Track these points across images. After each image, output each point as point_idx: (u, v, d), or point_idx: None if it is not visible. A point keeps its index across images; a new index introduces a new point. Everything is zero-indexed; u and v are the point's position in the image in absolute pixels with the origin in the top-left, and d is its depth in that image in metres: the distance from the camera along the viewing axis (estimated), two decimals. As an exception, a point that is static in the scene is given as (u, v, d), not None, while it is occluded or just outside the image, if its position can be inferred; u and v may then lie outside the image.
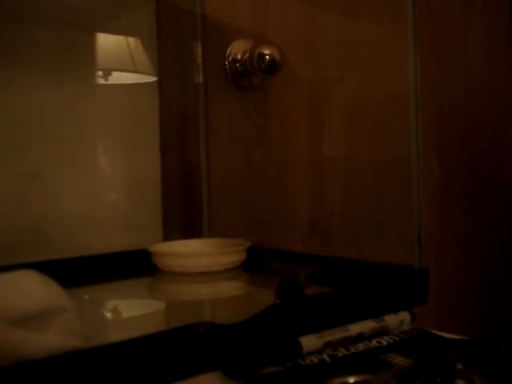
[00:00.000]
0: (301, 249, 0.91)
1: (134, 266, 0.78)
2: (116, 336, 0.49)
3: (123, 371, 0.39)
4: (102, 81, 0.87)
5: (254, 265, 0.76)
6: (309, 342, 0.45)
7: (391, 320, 0.51)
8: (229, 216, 0.93)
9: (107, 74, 0.88)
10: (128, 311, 0.64)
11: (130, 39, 0.88)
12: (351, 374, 0.37)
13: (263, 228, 0.94)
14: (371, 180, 1.07)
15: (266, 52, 0.92)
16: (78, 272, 0.74)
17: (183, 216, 0.92)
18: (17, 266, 0.62)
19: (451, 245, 1.28)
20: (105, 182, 0.87)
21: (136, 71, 0.89)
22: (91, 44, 0.85)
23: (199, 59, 0.91)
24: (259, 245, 0.78)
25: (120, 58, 0.88)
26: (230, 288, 0.73)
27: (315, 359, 0.44)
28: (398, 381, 0.32)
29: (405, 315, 0.52)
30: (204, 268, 0.73)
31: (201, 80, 0.92)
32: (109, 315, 0.60)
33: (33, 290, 0.39)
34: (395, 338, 0.49)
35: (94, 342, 0.42)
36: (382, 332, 0.50)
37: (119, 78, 0.88)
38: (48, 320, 0.39)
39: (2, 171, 0.77)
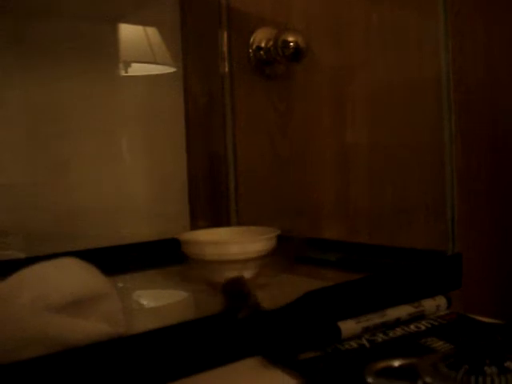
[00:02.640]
0: (329, 236, 0.91)
1: (164, 254, 0.79)
2: (154, 323, 0.50)
3: (165, 357, 0.40)
4: (123, 72, 0.87)
5: (284, 252, 0.76)
6: (347, 326, 0.45)
7: (428, 305, 0.51)
8: (256, 204, 0.93)
9: (127, 65, 0.88)
10: (162, 299, 0.64)
11: (149, 30, 0.87)
12: (393, 358, 0.37)
13: (290, 215, 0.94)
14: (397, 166, 1.07)
15: (291, 39, 0.91)
16: (108, 261, 0.75)
17: (210, 205, 0.93)
18: (51, 255, 0.63)
19: (477, 229, 1.27)
20: (131, 172, 0.88)
21: (155, 62, 0.89)
22: (113, 35, 0.85)
23: (224, 48, 0.91)
24: (288, 232, 0.78)
25: (139, 49, 0.88)
26: (260, 275, 0.73)
27: (354, 344, 0.44)
28: (446, 364, 0.32)
29: (441, 300, 0.52)
30: (233, 256, 0.73)
31: (226, 69, 0.91)
32: (144, 303, 0.61)
33: (75, 276, 0.40)
34: (433, 322, 0.49)
35: (134, 329, 0.43)
36: (420, 317, 0.50)
37: (139, 69, 0.88)
38: (91, 307, 0.40)
39: (30, 164, 0.78)
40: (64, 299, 0.38)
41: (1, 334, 0.36)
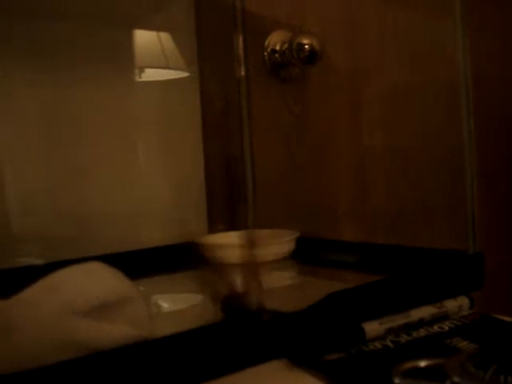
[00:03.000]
0: (346, 238, 0.91)
1: (182, 258, 0.79)
2: (177, 327, 0.50)
3: (190, 360, 0.40)
4: (138, 78, 0.88)
5: (303, 254, 0.77)
6: (371, 328, 0.45)
7: (450, 305, 0.51)
8: (273, 207, 0.93)
9: (142, 70, 0.89)
10: (184, 302, 0.64)
11: (163, 35, 0.88)
12: (420, 358, 0.37)
13: (307, 218, 0.94)
14: (414, 168, 1.07)
15: (306, 42, 0.91)
16: (127, 266, 0.75)
17: (227, 208, 0.93)
18: (69, 261, 0.64)
19: (497, 229, 1.26)
20: (148, 177, 0.88)
21: (170, 67, 0.89)
22: (128, 40, 0.86)
23: (240, 51, 0.91)
24: (306, 235, 0.78)
25: (154, 55, 0.88)
26: (281, 278, 0.73)
27: (378, 345, 0.44)
28: (473, 364, 0.32)
29: (463, 300, 0.52)
30: (254, 258, 0.73)
31: (242, 73, 0.92)
32: (166, 306, 0.61)
33: (102, 281, 0.40)
34: (457, 322, 0.49)
35: (157, 332, 0.43)
36: (443, 317, 0.50)
37: (154, 74, 0.89)
38: (117, 311, 0.40)
39: (47, 169, 0.79)
40: (91, 303, 0.39)
41: (29, 339, 0.36)
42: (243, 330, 0.42)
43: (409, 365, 0.36)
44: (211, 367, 0.41)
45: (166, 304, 0.63)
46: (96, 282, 0.40)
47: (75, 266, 0.41)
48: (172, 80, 0.89)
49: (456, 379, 0.32)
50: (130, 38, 0.86)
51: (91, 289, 0.40)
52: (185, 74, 0.89)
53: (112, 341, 0.38)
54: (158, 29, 0.87)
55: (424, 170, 1.06)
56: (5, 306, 0.39)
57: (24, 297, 0.40)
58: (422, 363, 0.36)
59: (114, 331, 0.39)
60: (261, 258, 0.74)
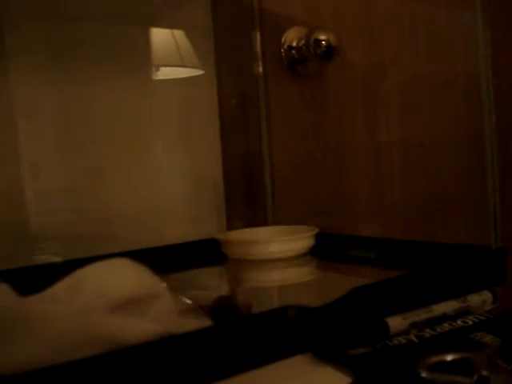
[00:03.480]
0: (365, 233, 0.91)
1: (202, 255, 0.80)
2: (203, 322, 0.51)
3: (216, 355, 0.40)
4: (155, 76, 0.88)
5: (323, 250, 0.77)
6: (395, 322, 0.45)
7: (473, 300, 0.51)
8: (292, 203, 0.93)
9: (159, 69, 0.89)
10: (207, 299, 0.65)
11: (178, 33, 0.88)
12: (445, 352, 0.37)
13: (325, 214, 0.94)
14: (433, 162, 1.06)
15: (322, 37, 0.91)
16: (146, 263, 0.76)
17: (246, 205, 0.93)
18: (88, 259, 0.64)
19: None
20: (167, 174, 0.89)
21: (184, 65, 0.90)
22: (145, 39, 0.86)
23: (258, 49, 0.92)
24: (325, 230, 0.78)
25: (169, 53, 0.89)
26: (302, 274, 0.73)
27: (403, 340, 0.44)
28: (500, 357, 0.32)
29: (486, 295, 0.52)
30: (273, 255, 0.74)
31: (260, 69, 0.92)
32: (189, 302, 0.61)
33: (130, 277, 0.41)
34: (480, 317, 0.49)
35: (183, 328, 0.44)
36: (466, 312, 0.50)
37: (171, 72, 0.89)
38: (145, 306, 0.41)
39: (66, 168, 0.79)
40: (119, 299, 0.39)
41: (58, 334, 0.37)
42: (268, 324, 0.42)
43: (435, 359, 0.36)
44: (238, 361, 0.41)
45: (187, 301, 0.63)
46: (123, 277, 0.41)
47: (102, 262, 0.42)
48: (189, 78, 0.90)
49: (484, 373, 0.32)
50: (147, 37, 0.86)
51: (119, 284, 0.40)
52: (204, 72, 0.90)
53: (140, 336, 0.39)
54: (174, 27, 0.87)
55: (443, 165, 1.05)
56: (33, 302, 0.40)
57: (52, 292, 0.41)
58: (449, 357, 0.36)
59: (142, 327, 0.39)
60: (280, 254, 0.74)
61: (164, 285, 0.43)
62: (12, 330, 0.37)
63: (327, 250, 0.77)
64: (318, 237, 0.77)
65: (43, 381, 0.34)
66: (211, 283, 0.72)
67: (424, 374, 0.34)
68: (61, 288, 0.40)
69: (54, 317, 0.38)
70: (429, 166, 1.07)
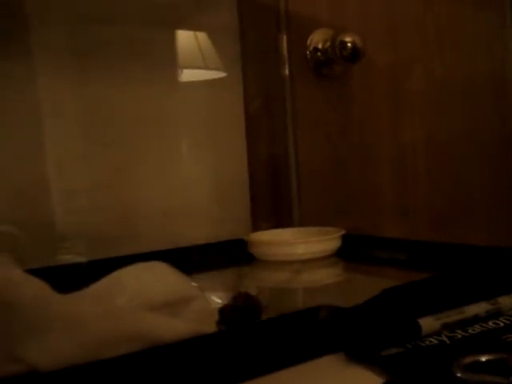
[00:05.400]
0: (390, 234, 0.91)
1: (230, 255, 0.80)
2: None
3: (248, 354, 0.41)
4: (180, 78, 0.89)
5: (349, 252, 0.77)
6: (427, 323, 0.45)
7: (505, 301, 0.51)
8: (318, 204, 0.93)
9: (185, 71, 0.90)
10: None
11: (203, 36, 0.89)
12: (480, 353, 0.37)
13: (351, 215, 0.94)
14: (459, 162, 1.06)
15: (348, 39, 0.91)
16: (174, 263, 0.76)
17: (272, 206, 0.94)
18: (113, 259, 0.65)
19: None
20: (193, 175, 0.89)
21: (207, 67, 0.90)
22: (170, 41, 0.87)
23: (284, 51, 0.92)
24: (351, 232, 0.79)
25: (194, 56, 0.89)
26: (328, 275, 0.74)
27: (434, 340, 0.44)
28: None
29: (517, 296, 0.52)
30: (300, 256, 0.74)
31: (286, 72, 0.93)
32: (220, 302, 0.62)
33: (167, 279, 0.42)
34: (511, 318, 0.48)
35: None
36: (497, 313, 0.50)
37: (194, 75, 0.90)
38: (182, 308, 0.41)
39: (90, 168, 0.80)
40: (158, 300, 0.40)
41: (99, 331, 0.38)
42: (300, 324, 0.43)
43: (470, 359, 0.36)
44: (270, 361, 0.41)
45: (218, 301, 0.64)
46: (162, 280, 0.42)
47: (140, 264, 0.42)
48: (215, 80, 0.90)
49: (520, 373, 0.32)
50: (172, 39, 0.87)
51: (158, 286, 0.41)
52: (223, 74, 0.90)
53: (176, 335, 0.40)
54: (200, 30, 0.88)
55: (468, 165, 1.05)
56: (71, 300, 0.41)
57: (89, 292, 0.42)
58: (483, 358, 0.36)
59: (178, 326, 0.40)
60: (306, 255, 0.74)
61: (198, 287, 0.43)
62: (47, 326, 0.37)
63: (353, 252, 0.77)
64: (343, 238, 0.77)
65: (76, 379, 0.35)
66: (236, 283, 0.73)
67: (459, 374, 0.35)
68: (98, 288, 0.40)
69: (90, 315, 0.39)
70: (454, 167, 1.07)
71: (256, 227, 0.91)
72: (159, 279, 0.41)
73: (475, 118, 1.06)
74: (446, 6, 1.05)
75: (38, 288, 0.40)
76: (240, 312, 0.49)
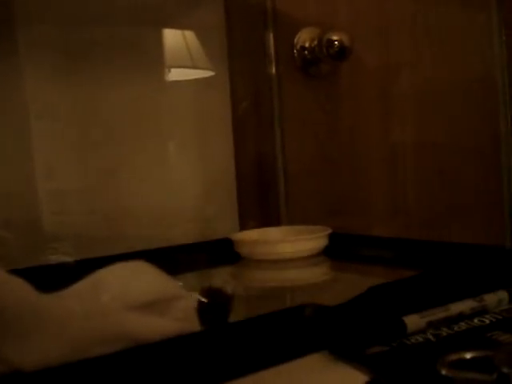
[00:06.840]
0: (379, 234, 0.91)
1: (215, 255, 0.80)
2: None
3: (232, 353, 0.40)
4: (167, 77, 0.89)
5: (336, 250, 0.77)
6: (412, 321, 0.45)
7: (490, 299, 0.51)
8: (305, 203, 0.93)
9: (172, 70, 0.89)
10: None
11: (191, 34, 0.88)
12: (465, 350, 0.37)
13: (339, 214, 0.94)
14: (447, 164, 1.06)
15: (335, 38, 0.91)
16: (158, 263, 0.76)
17: (259, 205, 0.94)
18: (100, 258, 0.64)
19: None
20: (180, 175, 0.89)
21: (195, 67, 0.90)
22: (157, 41, 0.87)
23: (271, 50, 0.92)
24: (339, 230, 0.78)
25: (182, 55, 0.89)
26: (315, 274, 0.73)
27: (420, 338, 0.44)
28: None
29: (503, 294, 0.52)
30: (286, 255, 0.74)
31: (273, 70, 0.92)
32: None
33: (150, 278, 0.41)
34: (497, 316, 0.48)
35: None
36: (482, 311, 0.49)
37: (182, 74, 0.90)
38: (165, 307, 0.41)
39: (80, 169, 0.80)
40: (140, 299, 0.39)
41: (80, 331, 0.37)
42: (285, 322, 0.42)
43: (455, 356, 0.36)
44: (255, 359, 0.41)
45: (204, 299, 0.63)
46: (144, 279, 0.41)
47: (121, 264, 0.42)
48: (202, 79, 0.90)
49: (504, 370, 0.32)
50: (159, 39, 0.87)
51: (138, 286, 0.41)
52: (211, 73, 0.90)
53: (159, 334, 0.39)
54: (187, 29, 0.87)
55: (458, 166, 1.05)
56: (53, 299, 0.40)
57: (71, 292, 0.41)
58: (468, 355, 0.36)
59: (162, 324, 0.40)
60: (293, 254, 0.74)
61: (181, 286, 0.43)
62: (31, 326, 0.37)
63: (340, 250, 0.77)
64: (331, 237, 0.77)
65: (61, 378, 0.34)
66: (221, 283, 0.72)
67: (444, 372, 0.34)
68: (80, 288, 0.40)
69: (73, 315, 0.38)
70: (443, 168, 1.07)
71: (243, 226, 0.91)
72: (141, 278, 0.41)
73: (465, 119, 1.06)
74: (435, 7, 1.05)
75: (20, 288, 0.40)
76: (206, 308, 0.48)
